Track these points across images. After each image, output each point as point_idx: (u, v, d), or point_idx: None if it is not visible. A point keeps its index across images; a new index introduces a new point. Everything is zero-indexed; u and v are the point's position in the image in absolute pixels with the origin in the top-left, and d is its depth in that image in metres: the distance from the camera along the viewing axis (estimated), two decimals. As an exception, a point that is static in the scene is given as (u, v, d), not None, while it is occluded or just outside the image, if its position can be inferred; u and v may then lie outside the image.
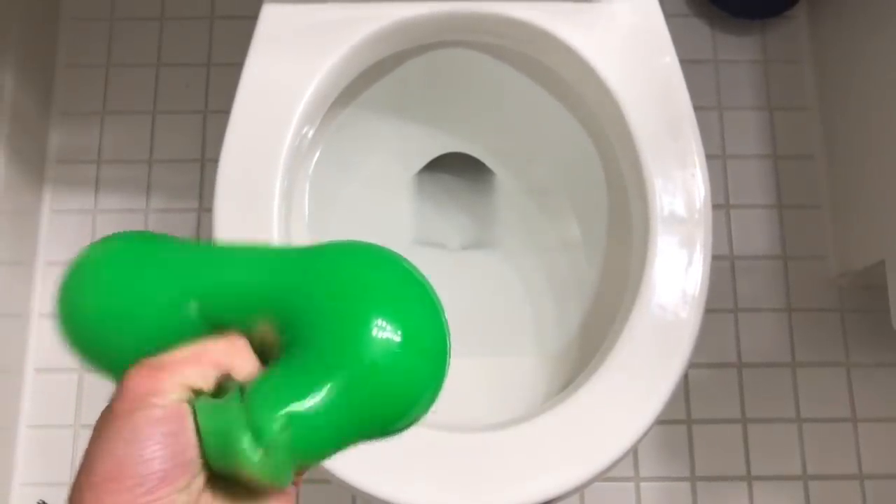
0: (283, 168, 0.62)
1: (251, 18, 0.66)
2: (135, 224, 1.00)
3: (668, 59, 0.68)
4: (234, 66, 0.66)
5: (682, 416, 0.94)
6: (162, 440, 0.27)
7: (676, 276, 0.62)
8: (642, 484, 0.92)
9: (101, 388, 1.03)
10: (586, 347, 0.72)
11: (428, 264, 0.81)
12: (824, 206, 1.00)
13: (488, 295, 0.77)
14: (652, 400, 0.57)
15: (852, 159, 0.96)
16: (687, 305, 0.61)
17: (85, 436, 0.91)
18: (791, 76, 1.05)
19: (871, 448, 0.93)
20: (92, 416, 0.95)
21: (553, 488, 0.54)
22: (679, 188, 0.64)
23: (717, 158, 1.02)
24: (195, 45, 1.05)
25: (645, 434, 0.57)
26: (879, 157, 0.89)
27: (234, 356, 0.29)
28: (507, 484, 0.54)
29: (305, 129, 0.65)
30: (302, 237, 0.74)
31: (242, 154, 0.63)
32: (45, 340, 0.96)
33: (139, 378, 0.28)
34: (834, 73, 1.01)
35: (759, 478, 0.93)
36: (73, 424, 0.94)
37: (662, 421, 0.83)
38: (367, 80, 0.75)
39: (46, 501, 0.37)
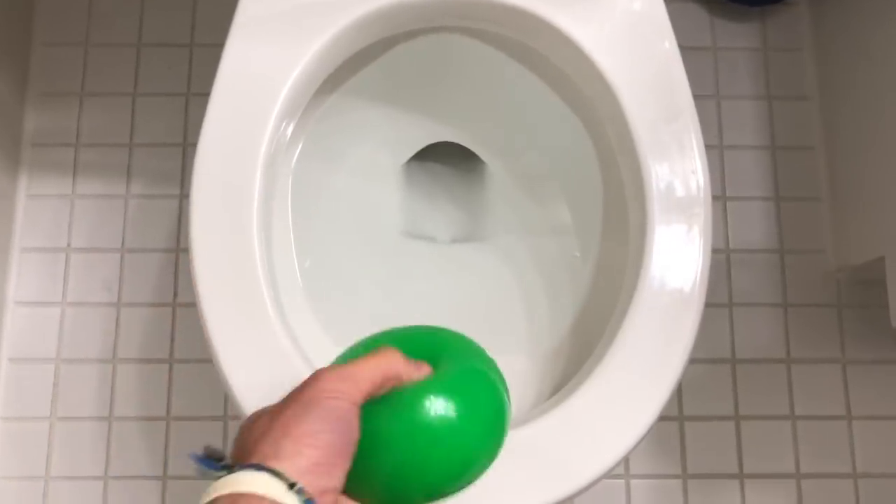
0: (264, 161, 0.59)
1: (235, -2, 0.63)
2: (114, 210, 0.97)
3: (668, 44, 0.66)
4: (218, 48, 0.62)
5: (674, 413, 0.92)
6: (345, 427, 0.37)
7: (675, 271, 0.59)
8: (633, 482, 0.91)
9: (76, 379, 0.99)
10: (579, 346, 0.69)
11: (417, 259, 0.79)
12: (823, 199, 0.98)
13: (478, 291, 0.75)
14: (647, 407, 0.55)
15: (853, 151, 0.94)
16: (686, 303, 0.59)
17: (61, 428, 0.89)
18: (791, 65, 1.02)
19: (866, 447, 0.92)
20: (67, 409, 0.92)
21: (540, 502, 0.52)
22: (678, 178, 0.62)
23: (714, 149, 0.99)
24: (178, 25, 1.02)
25: (638, 444, 0.55)
26: (881, 149, 0.87)
27: (396, 363, 0.40)
28: (493, 498, 0.52)
29: (287, 119, 0.62)
30: (285, 231, 0.71)
31: (220, 147, 0.60)
32: (19, 329, 0.93)
33: (333, 380, 0.38)
34: (836, 62, 0.98)
35: (751, 476, 0.91)
36: (48, 417, 0.91)
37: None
38: (354, 67, 0.72)
39: (212, 446, 0.39)
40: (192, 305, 0.60)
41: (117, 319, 0.94)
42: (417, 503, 0.40)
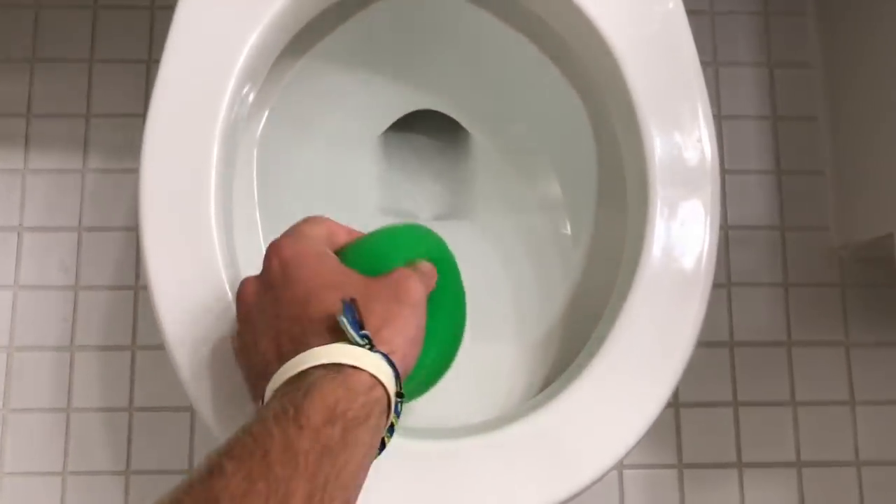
0: (222, 131, 0.53)
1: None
2: (70, 185, 0.90)
3: (672, 4, 0.60)
4: (180, 10, 0.56)
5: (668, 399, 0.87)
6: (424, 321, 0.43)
7: (679, 251, 0.54)
8: (626, 472, 0.86)
9: (30, 368, 0.92)
10: (571, 334, 0.64)
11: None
12: (827, 173, 0.93)
13: (463, 274, 0.69)
14: (653, 394, 0.50)
15: (859, 122, 0.89)
16: (691, 285, 0.53)
17: (14, 420, 0.83)
18: (793, 29, 0.97)
19: (870, 433, 0.88)
20: (21, 400, 0.86)
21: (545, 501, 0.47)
22: (682, 150, 0.56)
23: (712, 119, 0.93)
24: (137, -15, 0.94)
25: (633, 447, 0.49)
26: (889, 119, 0.82)
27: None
28: (496, 498, 0.47)
29: (249, 85, 0.55)
30: (249, 207, 0.65)
31: (172, 118, 0.53)
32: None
33: (419, 285, 0.43)
34: (840, 27, 0.93)
35: (750, 464, 0.87)
36: (0, 409, 0.85)
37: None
38: (324, 27, 0.66)
39: (352, 301, 0.40)
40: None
41: (75, 303, 0.88)
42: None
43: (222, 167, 0.53)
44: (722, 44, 0.96)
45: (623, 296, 0.53)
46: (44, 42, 0.93)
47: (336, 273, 0.42)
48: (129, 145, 0.91)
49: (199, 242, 0.50)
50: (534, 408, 0.50)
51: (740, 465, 0.87)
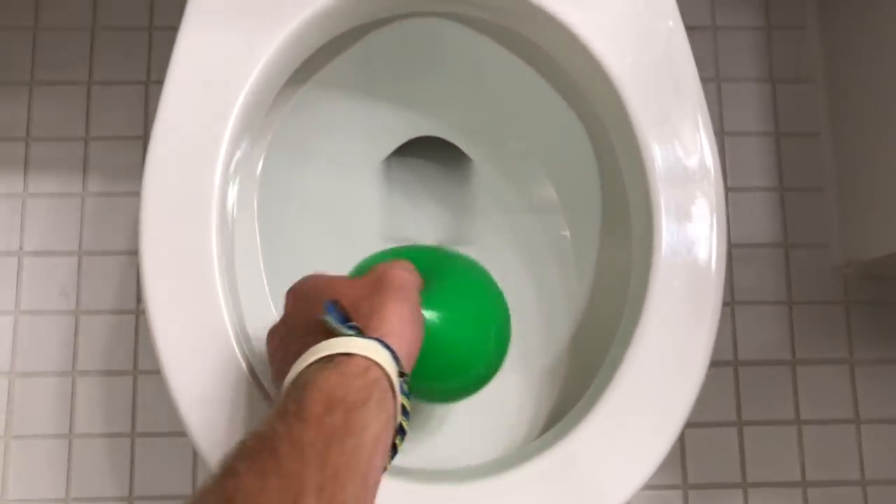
0: (223, 163, 0.52)
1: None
2: (70, 209, 0.89)
3: (672, 23, 0.60)
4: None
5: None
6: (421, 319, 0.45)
7: (688, 274, 0.54)
8: (631, 493, 0.86)
9: (32, 394, 0.90)
10: (578, 363, 0.64)
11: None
12: (830, 190, 0.92)
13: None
14: (669, 420, 0.50)
15: (862, 137, 0.89)
16: (702, 309, 0.54)
17: (16, 447, 0.83)
18: (796, 45, 0.96)
19: (876, 452, 0.87)
20: (23, 426, 0.86)
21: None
22: (685, 169, 0.56)
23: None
24: (135, 7, 0.94)
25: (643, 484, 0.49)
26: (892, 135, 0.81)
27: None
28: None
29: (248, 121, 0.55)
30: (250, 236, 0.64)
31: (175, 147, 0.53)
32: (-30, 341, 0.86)
33: (402, 272, 0.45)
34: (843, 42, 0.92)
35: (755, 484, 0.86)
36: (2, 435, 0.85)
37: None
38: (328, 54, 0.65)
39: (334, 300, 0.43)
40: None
41: (76, 328, 0.87)
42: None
43: (222, 212, 0.52)
44: (724, 59, 0.95)
45: (634, 323, 0.53)
46: (42, 65, 0.92)
47: (325, 286, 0.44)
48: (129, 168, 0.90)
49: (204, 303, 0.50)
50: (540, 449, 0.49)
51: (745, 485, 0.87)
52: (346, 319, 0.41)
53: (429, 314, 0.47)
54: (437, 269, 0.52)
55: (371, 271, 0.44)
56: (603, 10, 0.58)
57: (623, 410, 0.50)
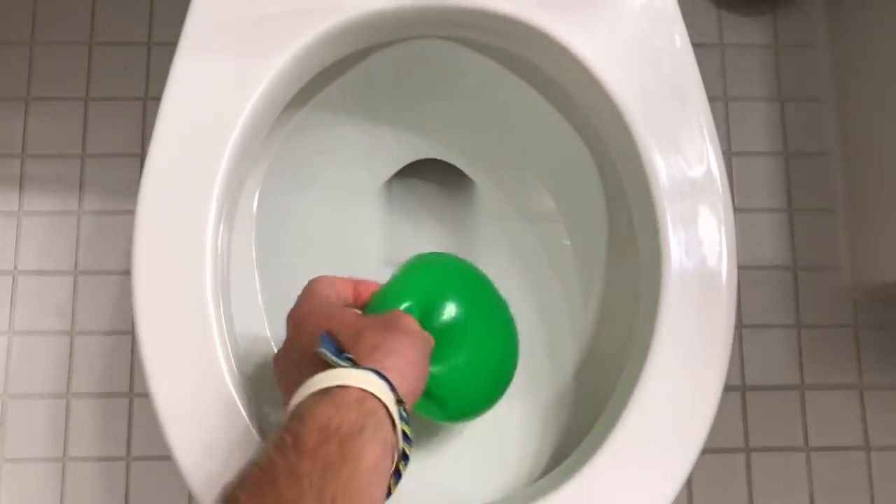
0: (220, 187, 0.51)
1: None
2: (66, 228, 0.88)
3: (679, 43, 0.59)
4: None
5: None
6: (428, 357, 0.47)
7: (697, 299, 0.53)
8: (636, 521, 0.84)
9: (25, 416, 0.89)
10: (584, 395, 0.62)
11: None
12: (839, 211, 0.91)
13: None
14: (666, 487, 0.48)
15: (871, 158, 0.87)
16: (712, 349, 0.52)
17: (9, 470, 0.81)
18: (805, 64, 0.95)
19: (886, 479, 0.86)
20: (16, 449, 0.84)
21: None
22: (693, 194, 0.55)
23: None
24: (133, 22, 0.92)
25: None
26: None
27: None
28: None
29: (249, 140, 0.53)
30: (248, 262, 0.63)
31: (170, 172, 0.51)
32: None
33: (409, 316, 0.47)
34: (852, 61, 0.91)
35: (763, 512, 0.85)
36: (-5, 459, 0.83)
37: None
38: (327, 77, 0.64)
39: (328, 332, 0.45)
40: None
41: (71, 349, 0.85)
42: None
43: (217, 237, 0.51)
44: (732, 78, 0.94)
45: (643, 354, 0.52)
46: (39, 80, 0.91)
47: (328, 316, 0.46)
48: (125, 186, 0.89)
49: (199, 343, 0.48)
50: (546, 490, 0.48)
51: (753, 513, 0.85)
52: (339, 351, 0.42)
53: (440, 367, 0.49)
54: (451, 299, 0.54)
55: (383, 314, 0.46)
56: (607, 30, 0.56)
57: (632, 452, 0.49)
